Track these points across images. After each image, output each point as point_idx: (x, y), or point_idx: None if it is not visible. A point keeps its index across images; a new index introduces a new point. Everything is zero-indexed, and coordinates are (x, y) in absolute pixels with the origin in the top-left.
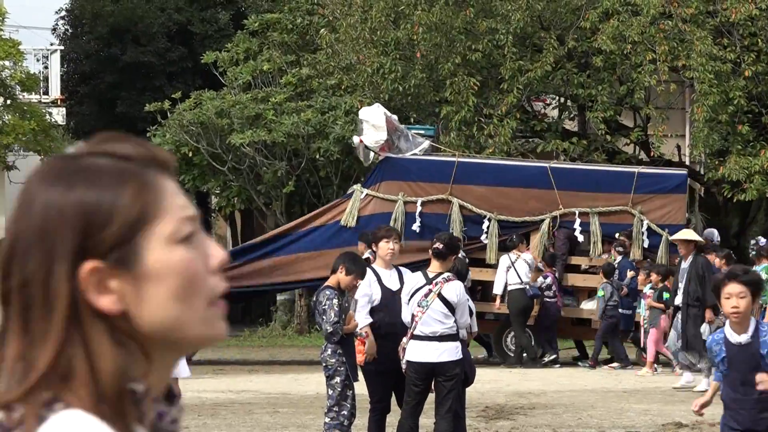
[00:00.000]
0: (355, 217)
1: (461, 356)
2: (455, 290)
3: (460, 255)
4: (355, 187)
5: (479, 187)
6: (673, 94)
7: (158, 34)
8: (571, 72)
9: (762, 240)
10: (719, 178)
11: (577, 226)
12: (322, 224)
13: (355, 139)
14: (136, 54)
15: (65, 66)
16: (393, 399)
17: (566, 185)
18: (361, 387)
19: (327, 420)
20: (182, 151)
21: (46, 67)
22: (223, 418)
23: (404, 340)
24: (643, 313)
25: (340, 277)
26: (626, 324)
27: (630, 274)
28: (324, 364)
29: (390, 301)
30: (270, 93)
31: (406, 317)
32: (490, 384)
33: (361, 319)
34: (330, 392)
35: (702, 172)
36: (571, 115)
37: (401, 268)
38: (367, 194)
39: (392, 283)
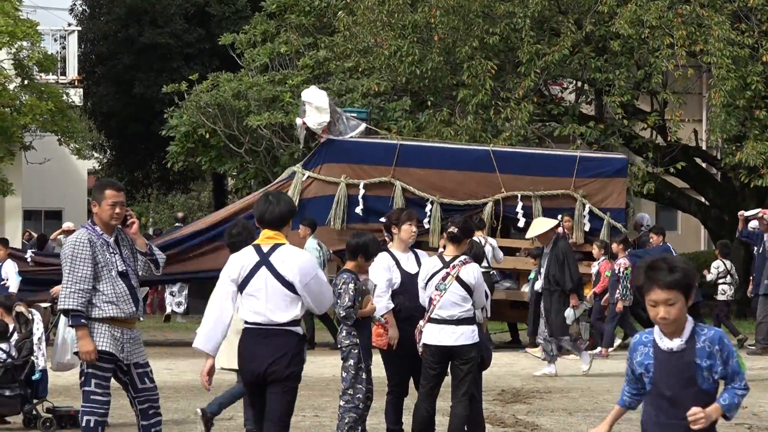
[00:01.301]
0: (297, 200)
1: (478, 340)
2: (473, 272)
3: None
4: (295, 168)
5: (422, 170)
6: (690, 79)
7: (176, 15)
8: (588, 56)
9: (646, 217)
10: (736, 164)
11: (519, 209)
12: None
13: (298, 121)
14: (153, 35)
15: (82, 47)
16: (411, 382)
17: (508, 169)
18: (378, 370)
19: (342, 403)
20: (199, 133)
21: (63, 48)
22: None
23: (421, 323)
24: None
25: (361, 263)
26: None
27: None
28: (339, 347)
29: (409, 284)
30: (287, 75)
31: (423, 301)
32: (506, 367)
33: (382, 305)
34: (344, 375)
35: (719, 157)
36: (588, 99)
37: (417, 250)
38: (308, 176)
39: (410, 266)
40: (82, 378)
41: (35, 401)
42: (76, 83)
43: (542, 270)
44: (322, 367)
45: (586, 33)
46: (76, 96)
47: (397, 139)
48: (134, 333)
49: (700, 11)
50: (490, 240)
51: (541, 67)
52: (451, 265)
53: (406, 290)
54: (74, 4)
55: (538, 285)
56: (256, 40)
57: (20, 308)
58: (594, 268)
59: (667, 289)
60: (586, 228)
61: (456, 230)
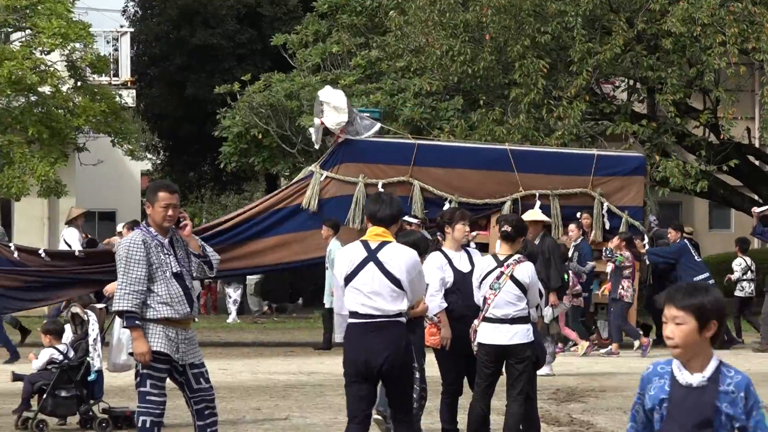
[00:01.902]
0: (317, 200)
1: (532, 339)
2: (527, 271)
3: (427, 235)
4: (312, 168)
5: (439, 169)
6: (743, 77)
7: (228, 16)
8: (640, 54)
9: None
10: None
11: (537, 208)
12: (282, 207)
13: (316, 121)
14: (205, 36)
15: (135, 48)
16: (465, 381)
17: (526, 168)
18: (432, 369)
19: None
20: (252, 134)
21: (116, 49)
22: (294, 399)
23: (475, 322)
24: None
25: None
26: (586, 307)
27: (590, 264)
28: None
29: (462, 283)
30: (339, 75)
31: (477, 300)
32: (561, 367)
33: (435, 304)
34: None
35: None
36: (641, 98)
37: (469, 248)
38: (326, 176)
39: (463, 265)
40: (138, 379)
41: (91, 402)
42: (128, 84)
43: None
44: None
45: (638, 31)
46: (129, 97)
47: (414, 138)
48: (189, 333)
49: (752, 9)
50: None
51: (593, 66)
52: (506, 264)
53: (458, 289)
54: (127, 6)
55: None
56: (307, 40)
57: (76, 309)
58: (609, 267)
59: (679, 308)
60: (606, 226)
61: (509, 229)
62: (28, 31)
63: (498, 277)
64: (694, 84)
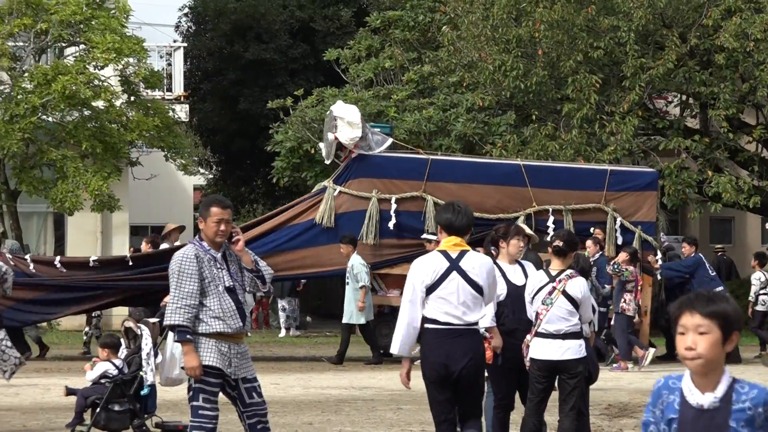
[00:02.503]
0: (332, 216)
1: (585, 354)
2: (579, 287)
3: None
4: (325, 183)
5: (453, 184)
6: None
7: (281, 31)
8: (693, 70)
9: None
10: None
11: (550, 223)
12: (296, 223)
13: (329, 136)
14: (258, 51)
15: (188, 63)
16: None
17: (540, 183)
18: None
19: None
20: (304, 148)
21: (169, 64)
22: (346, 414)
23: (528, 337)
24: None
25: None
26: (600, 322)
27: (608, 287)
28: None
29: (515, 296)
30: (392, 90)
31: (530, 315)
32: (613, 382)
33: (488, 318)
34: None
35: None
36: (693, 113)
37: (523, 261)
38: (340, 191)
39: (517, 278)
40: (190, 393)
41: (144, 416)
42: (182, 99)
43: None
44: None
45: (691, 46)
46: (182, 112)
47: (428, 154)
48: (242, 348)
49: None
50: None
51: (645, 81)
52: (558, 279)
53: (511, 302)
54: (180, 21)
55: None
56: (360, 55)
57: (129, 323)
58: (614, 281)
59: (702, 315)
60: (619, 241)
61: (561, 244)
62: (82, 46)
63: (550, 293)
64: (746, 99)
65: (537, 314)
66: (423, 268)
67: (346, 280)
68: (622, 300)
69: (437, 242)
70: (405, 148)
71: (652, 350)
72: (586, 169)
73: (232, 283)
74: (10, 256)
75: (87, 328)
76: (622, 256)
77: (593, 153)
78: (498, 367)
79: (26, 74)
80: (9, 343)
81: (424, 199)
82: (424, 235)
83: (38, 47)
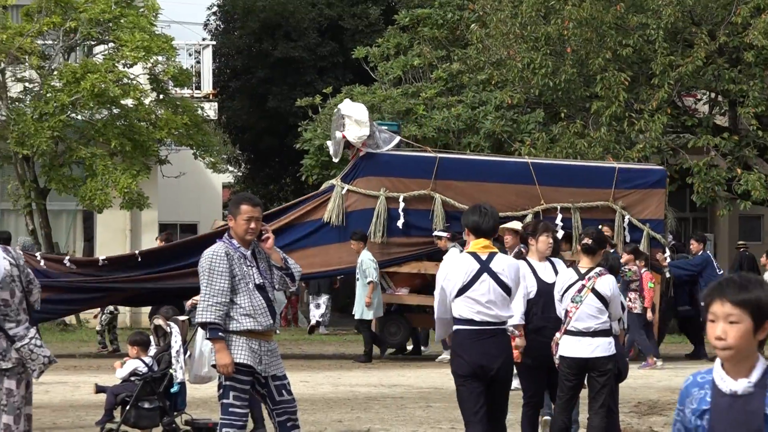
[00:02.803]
0: (341, 215)
1: (614, 352)
2: (608, 284)
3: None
4: (333, 182)
5: (461, 182)
6: None
7: (309, 29)
8: (722, 67)
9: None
10: None
11: (558, 221)
12: (305, 222)
13: (337, 134)
14: (287, 49)
15: (217, 61)
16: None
17: (547, 181)
18: (514, 382)
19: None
20: (412, 147)
21: (198, 62)
22: (375, 412)
23: (557, 335)
24: None
25: None
26: None
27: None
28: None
29: (545, 293)
30: (420, 88)
31: (559, 313)
32: (642, 379)
33: (516, 316)
34: None
35: None
36: (722, 111)
37: (554, 259)
38: (348, 190)
39: (547, 276)
40: (221, 390)
41: (174, 414)
42: (210, 97)
43: None
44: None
45: (720, 44)
46: (210, 110)
47: (436, 152)
48: (272, 345)
49: None
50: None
51: (674, 79)
52: (587, 276)
53: (541, 300)
54: (208, 20)
55: None
56: (389, 53)
57: (158, 321)
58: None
59: (733, 304)
60: (627, 239)
61: (590, 242)
62: (111, 45)
63: (579, 290)
64: None
65: (566, 312)
66: (454, 270)
67: (356, 277)
68: (627, 299)
69: (448, 238)
70: (411, 146)
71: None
72: (595, 167)
73: (262, 281)
74: (21, 253)
75: (98, 327)
76: (625, 256)
77: (622, 151)
78: (526, 365)
79: (55, 72)
80: (39, 342)
81: (432, 198)
82: (435, 232)
83: (67, 45)
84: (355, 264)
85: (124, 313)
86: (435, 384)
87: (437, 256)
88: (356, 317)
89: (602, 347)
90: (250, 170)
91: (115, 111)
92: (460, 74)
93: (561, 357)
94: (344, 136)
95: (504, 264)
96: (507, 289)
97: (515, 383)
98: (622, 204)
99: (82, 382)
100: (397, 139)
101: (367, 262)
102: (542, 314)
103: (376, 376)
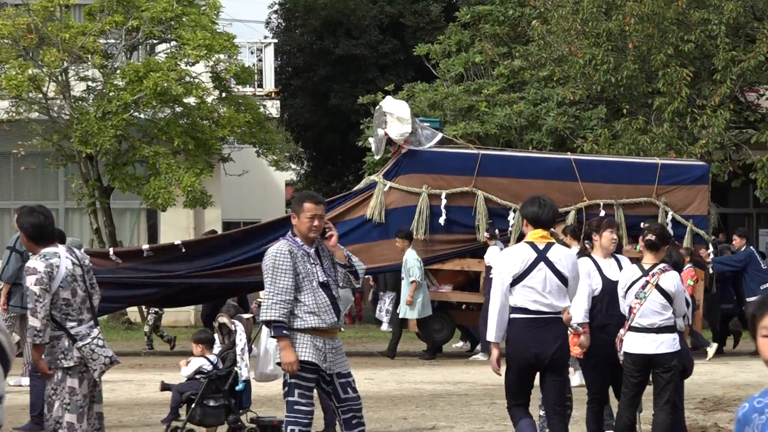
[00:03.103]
0: (383, 212)
1: (679, 348)
2: (672, 280)
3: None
4: (374, 178)
5: (503, 179)
6: None
7: (370, 26)
8: None
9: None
10: None
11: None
12: (348, 219)
13: (379, 132)
14: (348, 47)
15: (279, 59)
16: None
17: (590, 177)
18: (576, 378)
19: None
20: (454, 143)
21: (260, 60)
22: (440, 409)
23: (621, 331)
24: None
25: None
26: None
27: None
28: None
29: (609, 291)
30: (482, 85)
31: (623, 309)
32: (707, 376)
33: (581, 313)
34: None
35: None
36: None
37: (618, 255)
38: (390, 187)
39: (612, 273)
40: (286, 388)
41: (239, 411)
42: (272, 95)
43: None
44: None
45: None
46: (273, 108)
47: (479, 149)
48: (336, 343)
49: None
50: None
51: (737, 74)
52: (651, 273)
53: (605, 297)
54: (270, 18)
55: None
56: (450, 50)
57: (223, 319)
58: None
59: None
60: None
61: (654, 238)
62: (173, 43)
63: (643, 287)
64: None
65: (630, 308)
66: (512, 259)
67: (402, 276)
68: None
69: (488, 238)
70: (453, 143)
71: (714, 345)
72: (637, 163)
73: (325, 279)
74: (86, 254)
75: (146, 328)
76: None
77: (685, 147)
78: (590, 361)
79: (118, 71)
80: (101, 342)
81: (474, 195)
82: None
83: (129, 44)
84: (397, 261)
85: (189, 311)
86: (500, 381)
87: (480, 253)
88: (400, 316)
89: (667, 343)
90: (313, 168)
91: (178, 109)
92: (521, 71)
93: (625, 353)
94: (386, 134)
95: (561, 254)
96: (563, 279)
97: (578, 379)
98: (665, 200)
99: (147, 380)
100: (440, 135)
101: (411, 261)
102: (606, 311)
103: (441, 374)
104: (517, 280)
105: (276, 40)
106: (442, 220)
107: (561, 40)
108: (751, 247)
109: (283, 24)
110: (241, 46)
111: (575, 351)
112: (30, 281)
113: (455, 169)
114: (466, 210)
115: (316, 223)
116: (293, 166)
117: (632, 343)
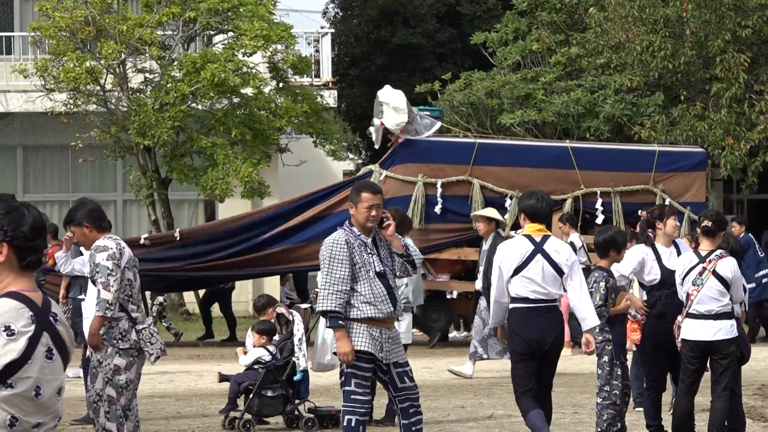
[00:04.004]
0: None
1: (737, 334)
2: (730, 267)
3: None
4: (371, 167)
5: (499, 167)
6: None
7: (427, 15)
8: None
9: None
10: None
11: (599, 205)
12: (339, 209)
13: (376, 122)
14: (405, 36)
15: (336, 49)
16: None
17: (587, 165)
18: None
19: (599, 400)
20: (453, 132)
21: (317, 50)
22: (498, 397)
23: (679, 318)
24: None
25: (614, 256)
26: None
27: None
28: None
29: (668, 280)
30: (539, 72)
31: (680, 296)
32: (766, 362)
33: (593, 317)
34: (599, 372)
35: None
36: None
37: (679, 241)
38: (386, 176)
39: (672, 261)
40: (342, 378)
41: (297, 401)
42: (330, 85)
43: (481, 268)
44: (580, 363)
45: None
46: (330, 98)
47: (475, 138)
48: (393, 333)
49: None
50: (572, 236)
51: None
52: (708, 259)
53: (664, 286)
54: (327, 7)
55: (479, 284)
56: (507, 38)
57: (281, 309)
58: None
59: None
60: None
61: (710, 224)
62: (230, 34)
63: (700, 273)
64: None
65: (688, 295)
66: (511, 251)
67: None
68: None
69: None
70: (452, 132)
71: None
72: (635, 151)
73: (382, 268)
74: None
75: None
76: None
77: (743, 132)
78: (647, 349)
79: (175, 63)
80: (155, 330)
81: (470, 183)
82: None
83: (187, 35)
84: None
85: (247, 301)
86: (558, 369)
87: (477, 242)
88: None
89: (724, 330)
90: (370, 157)
91: (235, 100)
92: (578, 58)
93: (683, 340)
94: (382, 123)
95: (557, 245)
96: (559, 270)
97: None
98: (662, 187)
99: (205, 371)
100: (438, 124)
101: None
102: (665, 300)
103: (498, 362)
104: (516, 272)
105: (333, 30)
106: (438, 209)
107: (618, 26)
108: (750, 234)
109: (340, 14)
110: (298, 36)
111: (633, 337)
112: (101, 257)
113: (451, 158)
114: (462, 199)
115: (373, 213)
116: (351, 155)
117: (690, 330)
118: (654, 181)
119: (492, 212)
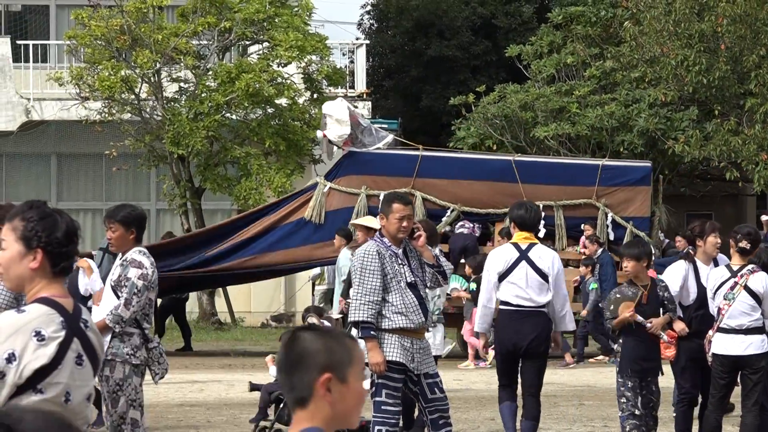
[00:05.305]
0: (322, 213)
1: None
2: (762, 281)
3: None
4: (317, 179)
5: (443, 180)
6: None
7: (462, 27)
8: None
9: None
10: None
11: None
12: (287, 221)
13: (318, 134)
14: (440, 48)
15: (371, 60)
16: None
17: (530, 178)
18: (667, 380)
19: (619, 413)
20: (486, 145)
21: (351, 62)
22: None
23: (710, 332)
24: None
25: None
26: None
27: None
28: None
29: (705, 297)
30: (574, 86)
31: (712, 310)
32: None
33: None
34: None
35: None
36: None
37: (720, 256)
38: (330, 188)
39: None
40: (373, 388)
41: None
42: (364, 96)
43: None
44: (610, 377)
45: None
46: (364, 109)
47: (420, 150)
48: (423, 343)
49: None
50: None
51: None
52: (739, 274)
53: (700, 302)
54: (362, 19)
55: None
56: (542, 51)
57: (312, 319)
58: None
59: None
60: (611, 237)
61: (747, 246)
62: (265, 44)
63: (732, 288)
64: None
65: (719, 309)
66: (496, 259)
67: (335, 274)
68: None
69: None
70: (407, 145)
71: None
72: (578, 164)
73: (413, 279)
74: None
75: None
76: (590, 249)
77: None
78: (682, 364)
79: (210, 72)
80: (163, 349)
81: (413, 195)
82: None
83: (222, 45)
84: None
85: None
86: (588, 382)
87: None
88: (333, 316)
89: (755, 345)
90: None
91: (270, 110)
92: (613, 72)
93: (714, 355)
94: (325, 135)
95: (542, 253)
96: (543, 275)
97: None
98: (605, 201)
99: (236, 380)
100: (390, 137)
101: (343, 260)
102: (702, 317)
103: None
104: (502, 277)
105: (368, 41)
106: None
107: (653, 41)
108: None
109: (375, 25)
110: (333, 47)
111: (668, 354)
112: (134, 273)
113: (395, 170)
114: None
115: (404, 224)
116: None
117: (721, 345)
118: (597, 195)
119: (372, 222)
